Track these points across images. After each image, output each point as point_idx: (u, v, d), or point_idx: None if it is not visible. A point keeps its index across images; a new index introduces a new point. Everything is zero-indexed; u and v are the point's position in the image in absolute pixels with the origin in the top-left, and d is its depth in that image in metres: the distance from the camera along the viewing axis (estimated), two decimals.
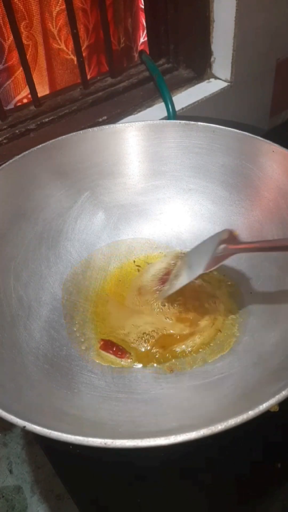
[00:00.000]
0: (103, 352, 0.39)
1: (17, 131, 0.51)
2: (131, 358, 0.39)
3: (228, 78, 0.58)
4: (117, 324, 0.42)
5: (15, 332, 0.37)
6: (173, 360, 0.39)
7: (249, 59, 0.58)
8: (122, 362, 0.38)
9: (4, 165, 0.42)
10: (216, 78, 0.60)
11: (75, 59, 0.58)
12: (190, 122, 0.46)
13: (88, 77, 0.57)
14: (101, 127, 0.47)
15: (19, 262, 0.41)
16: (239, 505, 0.36)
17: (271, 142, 0.43)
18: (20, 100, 0.61)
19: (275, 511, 0.35)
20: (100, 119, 0.53)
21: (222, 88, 0.58)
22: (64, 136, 0.45)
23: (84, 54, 0.59)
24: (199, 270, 0.36)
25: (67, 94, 0.56)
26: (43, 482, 0.45)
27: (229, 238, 0.36)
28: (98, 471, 0.37)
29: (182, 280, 0.38)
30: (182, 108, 0.55)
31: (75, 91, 0.56)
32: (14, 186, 0.43)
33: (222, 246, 0.36)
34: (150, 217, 0.49)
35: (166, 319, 0.41)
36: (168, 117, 0.54)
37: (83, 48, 0.60)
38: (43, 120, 0.53)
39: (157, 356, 0.39)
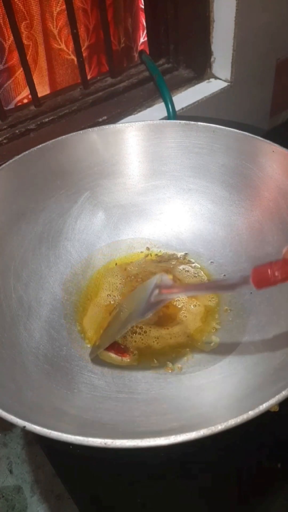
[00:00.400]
0: (104, 352, 0.39)
1: (17, 131, 0.51)
2: (133, 357, 0.39)
3: (228, 78, 0.58)
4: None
5: (15, 332, 0.37)
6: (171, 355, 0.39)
7: (249, 59, 0.58)
8: (124, 360, 0.38)
9: (4, 165, 0.42)
10: (216, 78, 0.60)
11: (75, 59, 0.58)
12: (190, 122, 0.46)
13: (88, 77, 0.57)
14: (101, 127, 0.47)
15: (19, 262, 0.41)
16: (239, 505, 0.36)
17: (271, 142, 0.43)
18: (20, 100, 0.61)
19: (275, 511, 0.35)
20: (100, 119, 0.53)
21: (222, 88, 0.58)
22: (64, 136, 0.45)
23: (84, 54, 0.59)
24: (137, 318, 0.36)
25: (67, 94, 0.56)
26: (43, 482, 0.45)
27: (163, 283, 0.36)
28: (98, 471, 0.37)
29: (120, 330, 0.38)
30: (182, 108, 0.55)
31: (75, 91, 0.56)
32: (14, 186, 0.43)
33: (156, 291, 0.35)
34: (150, 217, 0.49)
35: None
36: (168, 117, 0.54)
37: (83, 48, 0.60)
38: (43, 120, 0.53)
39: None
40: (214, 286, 0.38)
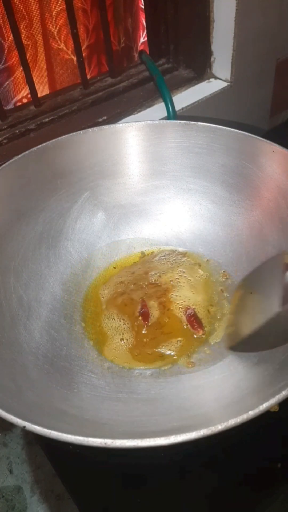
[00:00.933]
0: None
1: (17, 131, 0.51)
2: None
3: (228, 78, 0.58)
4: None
5: (15, 332, 0.37)
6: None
7: (249, 59, 0.58)
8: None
9: (4, 165, 0.42)
10: (216, 78, 0.60)
11: (75, 59, 0.58)
12: (190, 122, 0.46)
13: (88, 77, 0.57)
14: (101, 127, 0.47)
15: (19, 262, 0.41)
16: (239, 505, 0.36)
17: (271, 142, 0.43)
18: (20, 100, 0.61)
19: (275, 511, 0.35)
20: (100, 119, 0.53)
21: (222, 88, 0.58)
22: (64, 136, 0.45)
23: (84, 54, 0.59)
24: (275, 308, 0.31)
25: (67, 94, 0.56)
26: (43, 482, 0.45)
27: None
28: (98, 471, 0.37)
29: (255, 323, 0.33)
30: (182, 108, 0.55)
31: (75, 91, 0.56)
32: (14, 186, 0.43)
33: None
34: (150, 217, 0.49)
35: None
36: (168, 117, 0.54)
37: (83, 48, 0.60)
38: (43, 120, 0.53)
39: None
40: None
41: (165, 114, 0.55)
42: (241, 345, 0.35)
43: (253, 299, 0.35)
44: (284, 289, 0.31)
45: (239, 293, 0.39)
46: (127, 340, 0.41)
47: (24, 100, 0.61)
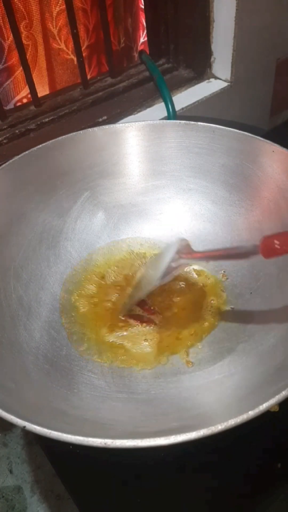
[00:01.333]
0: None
1: (17, 131, 0.51)
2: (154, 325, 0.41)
3: (228, 78, 0.58)
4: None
5: (15, 332, 0.37)
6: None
7: (249, 59, 0.58)
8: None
9: (4, 165, 0.42)
10: (216, 78, 0.60)
11: (75, 59, 0.58)
12: (190, 122, 0.46)
13: (88, 77, 0.57)
14: (101, 127, 0.47)
15: (19, 262, 0.41)
16: (239, 504, 0.36)
17: (271, 142, 0.43)
18: (20, 100, 0.62)
19: (275, 511, 0.35)
20: (100, 119, 0.53)
21: (222, 88, 0.58)
22: (64, 136, 0.45)
23: (84, 54, 0.59)
24: (155, 283, 0.37)
25: (67, 94, 0.56)
26: (43, 482, 0.45)
27: (182, 248, 0.37)
28: (98, 471, 0.37)
29: (140, 294, 0.40)
30: (182, 108, 0.55)
31: (75, 91, 0.56)
32: (14, 186, 0.43)
33: (176, 256, 0.37)
34: (150, 217, 0.49)
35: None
36: (168, 117, 0.54)
37: (83, 48, 0.60)
38: (43, 120, 0.53)
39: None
40: (232, 254, 0.38)
41: (165, 114, 0.55)
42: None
43: (148, 276, 0.40)
44: (166, 270, 0.37)
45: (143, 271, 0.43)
46: (152, 340, 0.40)
47: (24, 100, 0.61)
